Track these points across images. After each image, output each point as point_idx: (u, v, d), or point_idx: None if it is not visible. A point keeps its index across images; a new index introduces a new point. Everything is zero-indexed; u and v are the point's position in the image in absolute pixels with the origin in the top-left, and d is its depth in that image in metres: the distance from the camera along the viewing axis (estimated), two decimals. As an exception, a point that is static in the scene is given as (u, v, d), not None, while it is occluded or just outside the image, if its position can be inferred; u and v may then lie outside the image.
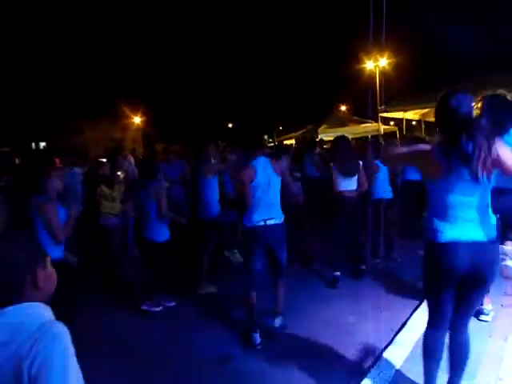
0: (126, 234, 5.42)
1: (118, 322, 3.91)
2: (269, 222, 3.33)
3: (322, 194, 5.03)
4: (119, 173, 5.54)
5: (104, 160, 6.47)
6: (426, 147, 2.23)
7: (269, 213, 3.34)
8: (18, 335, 1.03)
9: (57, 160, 5.24)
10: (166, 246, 4.15)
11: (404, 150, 2.41)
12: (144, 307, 4.08)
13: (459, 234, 2.06)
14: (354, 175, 4.55)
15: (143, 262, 4.35)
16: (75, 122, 32.78)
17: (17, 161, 6.89)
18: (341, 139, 4.86)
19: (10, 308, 1.08)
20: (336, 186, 4.53)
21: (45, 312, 1.14)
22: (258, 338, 3.32)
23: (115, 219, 5.09)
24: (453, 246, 2.06)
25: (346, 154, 4.57)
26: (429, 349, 2.31)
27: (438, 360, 2.30)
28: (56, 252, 3.11)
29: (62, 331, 1.08)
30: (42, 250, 1.24)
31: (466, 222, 2.06)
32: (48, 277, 1.21)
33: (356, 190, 4.57)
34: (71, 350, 1.07)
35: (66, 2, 38.90)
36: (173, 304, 4.21)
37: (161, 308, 4.12)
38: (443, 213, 2.10)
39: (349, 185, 4.54)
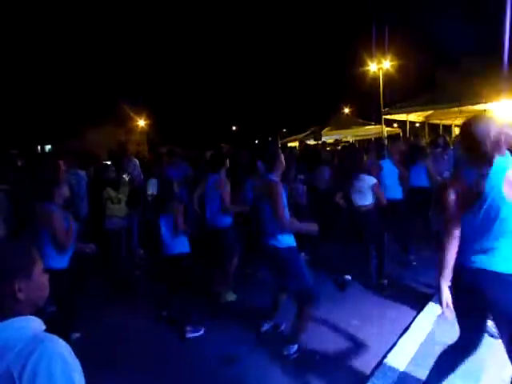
0: (132, 235, 5.46)
1: (123, 323, 3.93)
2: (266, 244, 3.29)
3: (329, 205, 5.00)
4: (125, 175, 5.59)
5: (109, 163, 6.51)
6: None
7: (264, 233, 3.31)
8: (6, 353, 0.98)
9: (61, 162, 5.28)
10: (182, 259, 3.90)
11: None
12: (189, 334, 3.65)
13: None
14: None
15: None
16: (80, 125, 32.95)
17: (19, 163, 6.90)
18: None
19: None
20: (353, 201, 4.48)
21: (32, 325, 1.07)
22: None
23: (121, 221, 5.13)
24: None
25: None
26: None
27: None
28: (61, 262, 3.12)
29: (53, 346, 1.03)
30: (28, 259, 1.16)
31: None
32: (35, 288, 1.13)
33: (371, 203, 4.46)
34: (64, 363, 1.01)
35: (70, 6, 39.23)
36: (201, 332, 3.70)
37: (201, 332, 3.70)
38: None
39: (363, 199, 4.45)
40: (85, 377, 1.10)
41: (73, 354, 1.07)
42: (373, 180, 4.42)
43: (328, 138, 16.62)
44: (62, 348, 1.04)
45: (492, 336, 2.73)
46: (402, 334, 3.32)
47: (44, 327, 1.10)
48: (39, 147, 33.47)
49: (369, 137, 16.97)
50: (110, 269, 5.11)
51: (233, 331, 3.66)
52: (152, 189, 5.34)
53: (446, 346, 2.33)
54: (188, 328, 3.65)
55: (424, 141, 9.62)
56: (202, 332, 3.67)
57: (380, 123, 14.05)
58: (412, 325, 3.45)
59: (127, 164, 6.28)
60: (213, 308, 4.21)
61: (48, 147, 34.50)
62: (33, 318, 1.09)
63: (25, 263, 1.14)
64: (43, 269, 1.20)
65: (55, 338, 1.06)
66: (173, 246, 3.87)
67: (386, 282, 4.42)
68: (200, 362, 3.20)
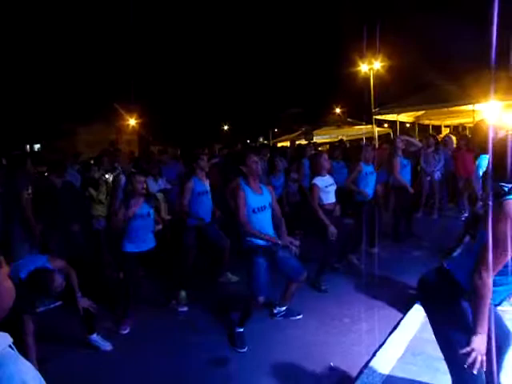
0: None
1: (111, 323, 3.91)
2: None
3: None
4: (107, 175, 5.49)
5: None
6: None
7: None
8: None
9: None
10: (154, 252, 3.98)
11: None
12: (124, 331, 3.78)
13: None
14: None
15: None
16: (70, 125, 32.64)
17: (3, 161, 6.81)
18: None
19: None
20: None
21: None
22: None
23: (105, 222, 5.09)
24: None
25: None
26: None
27: None
28: None
29: (13, 371, 0.92)
30: None
31: None
32: (1, 293, 1.04)
33: (335, 202, 4.60)
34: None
35: (60, 5, 38.82)
36: (185, 309, 4.15)
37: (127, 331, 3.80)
38: None
39: (329, 198, 4.54)
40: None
41: (37, 375, 0.99)
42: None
43: (319, 137, 16.69)
44: (23, 372, 0.95)
45: None
46: (391, 332, 3.34)
47: (11, 341, 1.00)
48: (28, 146, 33.06)
49: (360, 136, 17.08)
50: (95, 267, 5.06)
51: (222, 333, 3.65)
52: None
53: None
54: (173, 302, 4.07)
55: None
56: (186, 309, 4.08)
57: (371, 123, 14.13)
58: (401, 322, 3.47)
59: (107, 163, 6.10)
60: (203, 307, 4.21)
61: (37, 146, 34.11)
62: None
63: None
64: (8, 273, 1.11)
65: (17, 359, 0.97)
66: (148, 241, 3.89)
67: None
68: (189, 364, 3.18)
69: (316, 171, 4.53)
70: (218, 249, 4.66)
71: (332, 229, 4.28)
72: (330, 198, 4.52)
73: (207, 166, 4.77)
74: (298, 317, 3.79)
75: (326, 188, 4.49)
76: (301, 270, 3.53)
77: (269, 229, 3.41)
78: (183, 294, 4.29)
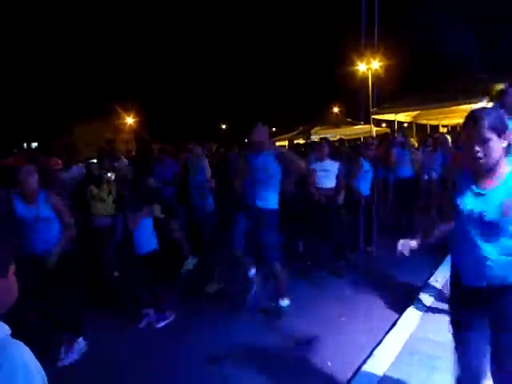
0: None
1: (106, 323, 3.89)
2: None
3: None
4: (109, 174, 5.47)
5: (94, 160, 6.44)
6: None
7: None
8: None
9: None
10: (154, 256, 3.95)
11: None
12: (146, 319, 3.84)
13: None
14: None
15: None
16: (67, 123, 32.55)
17: None
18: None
19: None
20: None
21: None
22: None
23: (107, 220, 5.06)
24: None
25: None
26: None
27: None
28: None
29: (16, 355, 0.94)
30: (7, 255, 1.08)
31: None
32: (7, 288, 1.06)
33: (334, 188, 4.71)
34: (27, 373, 0.94)
35: (61, 4, 38.70)
36: (172, 317, 3.97)
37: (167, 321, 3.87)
38: None
39: (326, 182, 4.66)
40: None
41: (35, 360, 1.00)
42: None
43: (317, 136, 16.67)
44: (25, 356, 0.97)
45: None
46: (388, 331, 3.34)
47: (9, 331, 1.01)
48: (25, 145, 32.95)
49: (358, 136, 17.10)
50: (94, 266, 5.03)
51: (218, 331, 3.65)
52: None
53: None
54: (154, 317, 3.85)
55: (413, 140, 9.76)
56: (171, 318, 3.87)
57: (369, 123, 14.13)
58: (398, 322, 3.48)
59: (111, 162, 6.09)
60: (198, 306, 4.19)
61: (34, 144, 34.00)
62: None
63: (4, 260, 1.06)
64: (14, 270, 1.12)
65: (18, 345, 0.98)
66: (146, 245, 3.86)
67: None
68: (185, 364, 3.17)
69: (318, 157, 4.71)
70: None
71: (321, 197, 4.52)
72: (327, 182, 4.67)
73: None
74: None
75: (325, 172, 4.66)
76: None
77: None
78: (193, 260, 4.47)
